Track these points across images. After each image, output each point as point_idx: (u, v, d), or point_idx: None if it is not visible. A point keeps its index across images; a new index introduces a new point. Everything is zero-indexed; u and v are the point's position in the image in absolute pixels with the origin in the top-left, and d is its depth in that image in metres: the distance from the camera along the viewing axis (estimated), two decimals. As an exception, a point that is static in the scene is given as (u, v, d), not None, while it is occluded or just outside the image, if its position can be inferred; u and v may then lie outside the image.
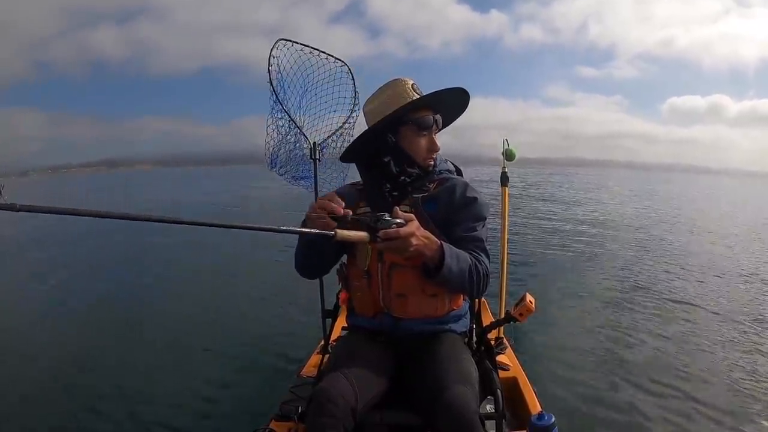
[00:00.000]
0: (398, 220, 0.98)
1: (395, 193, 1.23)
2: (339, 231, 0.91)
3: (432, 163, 1.27)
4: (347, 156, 1.35)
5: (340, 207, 0.98)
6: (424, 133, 1.24)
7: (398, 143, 1.23)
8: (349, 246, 1.23)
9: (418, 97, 1.21)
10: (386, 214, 0.98)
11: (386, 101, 1.22)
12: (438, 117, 1.26)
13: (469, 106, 1.32)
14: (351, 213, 0.99)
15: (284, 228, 0.82)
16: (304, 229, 0.91)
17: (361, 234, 0.95)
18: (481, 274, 1.14)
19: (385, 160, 1.22)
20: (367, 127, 1.28)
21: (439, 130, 1.28)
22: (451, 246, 1.10)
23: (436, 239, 1.07)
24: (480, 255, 1.16)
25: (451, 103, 1.29)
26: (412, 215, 1.02)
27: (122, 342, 3.27)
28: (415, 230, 0.99)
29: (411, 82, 1.24)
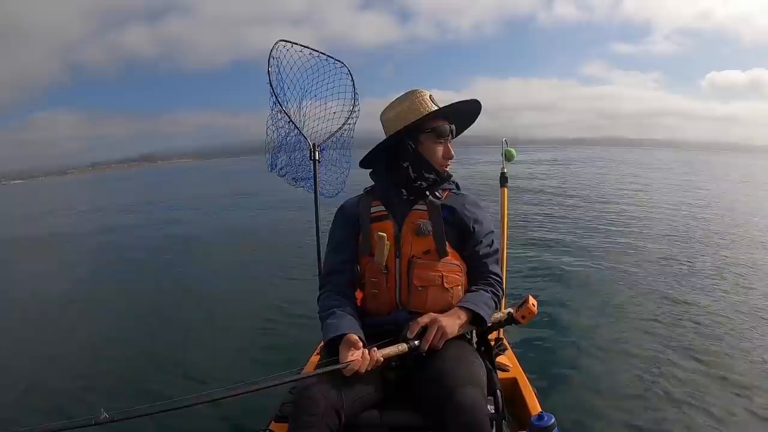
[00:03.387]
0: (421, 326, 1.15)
1: (411, 197, 1.31)
2: (379, 350, 1.08)
3: (447, 168, 1.38)
4: (367, 162, 1.41)
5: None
6: (441, 141, 1.34)
7: (417, 150, 1.32)
8: (365, 245, 1.32)
9: (438, 108, 1.32)
10: (407, 332, 1.14)
11: (406, 110, 1.32)
12: (453, 126, 1.37)
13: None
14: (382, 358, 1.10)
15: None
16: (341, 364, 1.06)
17: (401, 347, 1.12)
18: (499, 297, 1.33)
19: (404, 165, 1.30)
20: (384, 134, 1.36)
21: (453, 138, 1.38)
22: (474, 300, 1.25)
23: (457, 310, 1.22)
24: (495, 278, 1.34)
25: (464, 113, 1.41)
26: (430, 317, 1.17)
27: (120, 342, 3.27)
28: (437, 318, 1.16)
29: (428, 93, 1.34)
